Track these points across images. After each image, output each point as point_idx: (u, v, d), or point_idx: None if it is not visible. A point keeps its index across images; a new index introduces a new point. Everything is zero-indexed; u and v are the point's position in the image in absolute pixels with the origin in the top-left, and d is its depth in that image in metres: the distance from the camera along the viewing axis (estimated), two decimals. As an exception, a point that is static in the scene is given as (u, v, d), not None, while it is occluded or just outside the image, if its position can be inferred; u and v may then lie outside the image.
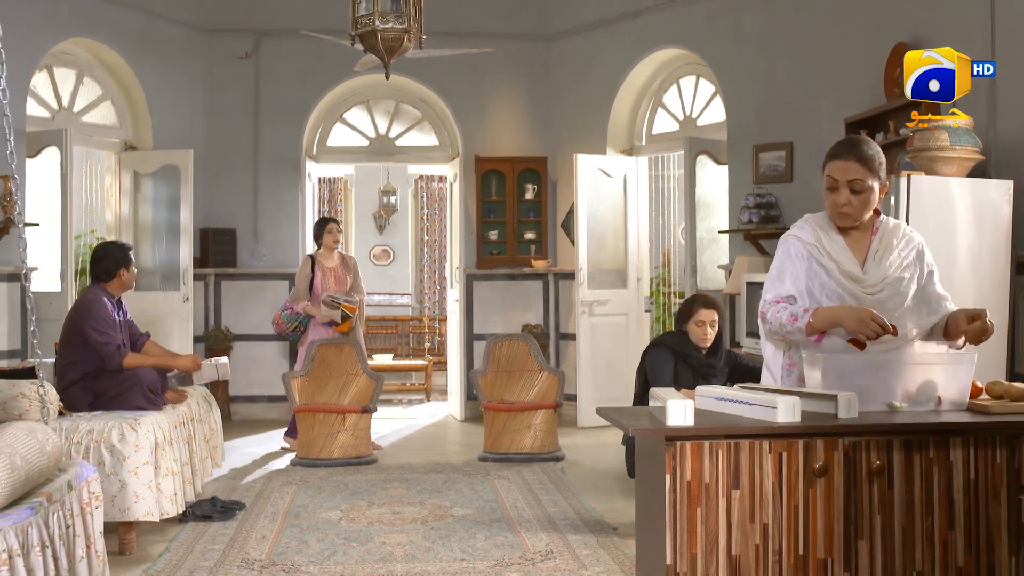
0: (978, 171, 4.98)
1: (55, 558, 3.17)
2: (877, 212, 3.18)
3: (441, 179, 13.67)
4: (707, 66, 8.14)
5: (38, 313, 3.87)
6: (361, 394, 7.30)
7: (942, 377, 2.95)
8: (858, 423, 2.74)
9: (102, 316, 5.17)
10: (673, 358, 5.42)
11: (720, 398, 2.94)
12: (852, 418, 2.77)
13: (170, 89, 8.62)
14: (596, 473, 6.63)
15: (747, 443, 2.69)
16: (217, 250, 8.88)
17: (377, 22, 6.07)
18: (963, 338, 3.03)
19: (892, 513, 2.73)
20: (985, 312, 3.00)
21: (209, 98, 9.03)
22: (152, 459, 4.77)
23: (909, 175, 4.70)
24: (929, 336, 3.14)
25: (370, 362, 8.73)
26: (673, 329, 5.75)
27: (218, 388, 8.50)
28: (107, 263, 5.35)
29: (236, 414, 8.96)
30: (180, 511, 5.03)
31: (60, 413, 4.84)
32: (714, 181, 8.21)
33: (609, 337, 8.72)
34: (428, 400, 10.66)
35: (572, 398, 8.55)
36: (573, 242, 8.85)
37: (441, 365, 11.00)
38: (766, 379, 3.33)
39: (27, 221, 6.70)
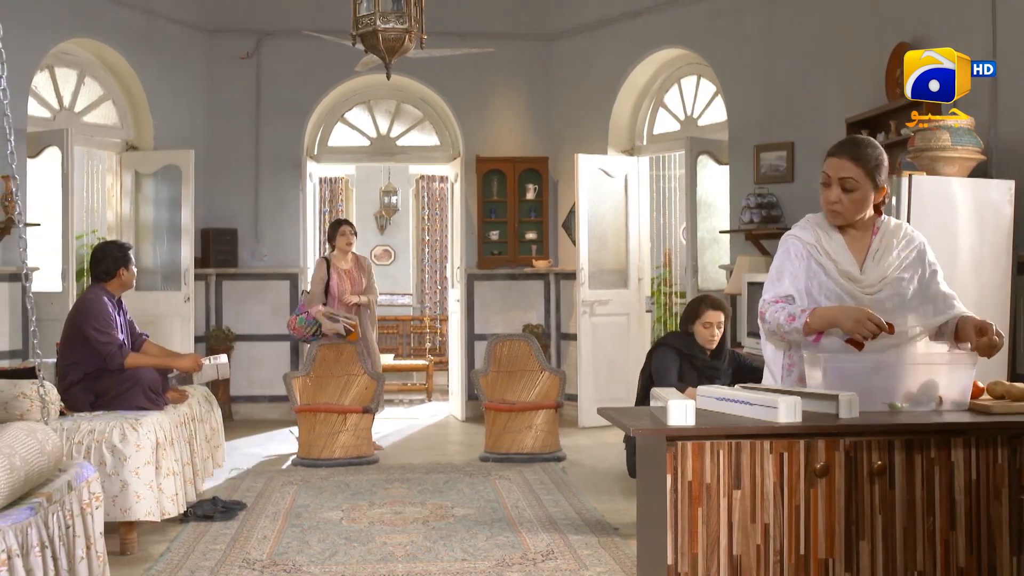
0: (979, 171, 4.97)
1: (55, 558, 3.17)
2: (878, 212, 3.17)
3: (442, 179, 13.68)
4: (708, 66, 8.14)
5: (40, 313, 3.88)
6: (362, 394, 7.30)
7: (943, 377, 2.95)
8: (859, 423, 2.74)
9: (103, 316, 5.17)
10: (679, 359, 5.41)
11: (721, 398, 2.94)
12: (853, 418, 2.77)
13: (171, 89, 8.62)
14: (597, 473, 6.63)
15: (748, 443, 2.69)
16: (218, 250, 8.89)
17: (378, 22, 6.07)
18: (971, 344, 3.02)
19: (893, 513, 2.73)
20: (991, 327, 2.96)
21: (210, 98, 9.03)
22: (153, 459, 4.77)
23: (910, 175, 4.69)
24: (938, 337, 3.13)
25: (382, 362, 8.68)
26: (677, 329, 5.73)
27: (219, 388, 8.51)
28: (107, 263, 5.35)
29: (237, 414, 8.96)
30: (181, 511, 5.03)
31: (61, 413, 4.85)
32: (715, 181, 8.21)
33: (610, 337, 8.72)
34: (429, 400, 10.67)
35: (573, 398, 8.55)
36: (574, 242, 8.84)
37: (442, 365, 11.00)
38: (767, 379, 3.33)
39: (28, 221, 6.74)
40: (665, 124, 8.97)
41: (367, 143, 9.69)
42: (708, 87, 8.45)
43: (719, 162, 8.16)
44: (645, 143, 9.08)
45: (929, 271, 3.13)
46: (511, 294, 9.39)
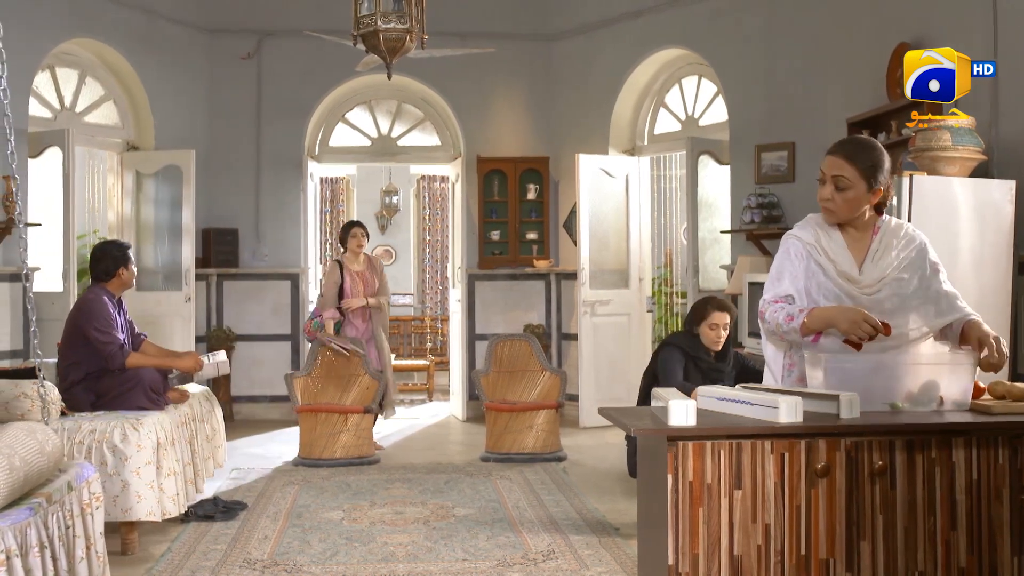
0: (980, 171, 4.97)
1: (54, 559, 3.17)
2: (879, 212, 3.17)
3: (443, 179, 13.69)
4: (709, 66, 8.14)
5: (41, 313, 3.88)
6: (363, 394, 7.29)
7: (944, 377, 2.94)
8: (860, 423, 2.74)
9: (103, 316, 5.17)
10: (685, 359, 5.40)
11: (722, 398, 2.94)
12: (854, 418, 2.77)
13: (172, 89, 8.63)
14: (598, 473, 6.62)
15: (749, 443, 2.69)
16: (219, 250, 8.89)
17: (379, 22, 6.07)
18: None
19: (894, 513, 2.73)
20: (991, 343, 2.93)
21: (211, 98, 9.04)
22: (154, 459, 4.77)
23: (911, 175, 4.69)
24: (943, 338, 3.12)
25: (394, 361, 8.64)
26: (682, 329, 5.72)
27: (220, 388, 8.52)
28: (106, 263, 5.35)
29: (238, 414, 8.96)
30: (182, 511, 5.03)
31: (63, 413, 4.85)
32: (716, 181, 8.21)
33: (611, 337, 8.72)
34: (430, 400, 10.67)
35: (574, 398, 8.55)
36: (575, 242, 8.84)
37: (443, 365, 10.99)
38: (767, 379, 3.33)
39: (29, 221, 6.75)
40: (666, 124, 8.97)
41: (368, 143, 9.69)
42: (709, 87, 8.45)
43: (720, 162, 8.16)
44: (646, 143, 9.08)
45: (930, 271, 3.11)
46: (512, 294, 9.39)
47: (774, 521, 2.69)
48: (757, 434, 2.70)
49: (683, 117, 8.78)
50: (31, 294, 3.75)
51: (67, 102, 7.95)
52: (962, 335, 3.05)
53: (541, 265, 9.23)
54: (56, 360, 5.37)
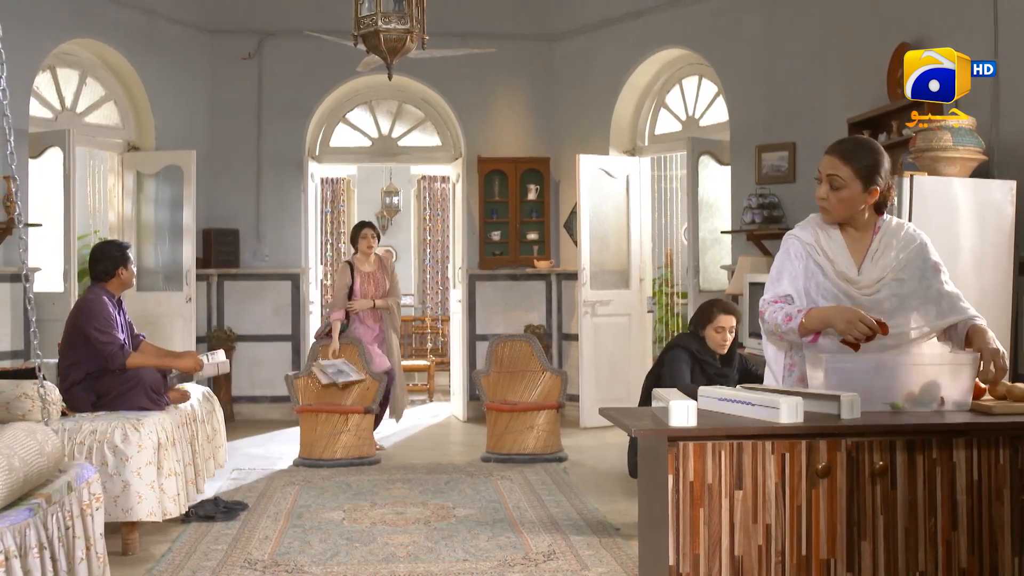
0: (981, 171, 4.97)
1: (54, 559, 3.17)
2: (880, 212, 3.17)
3: (444, 179, 13.69)
4: (709, 66, 8.14)
5: (41, 313, 3.88)
6: (364, 394, 7.29)
7: (945, 378, 2.94)
8: (861, 424, 2.74)
9: (104, 316, 5.17)
10: (692, 362, 5.39)
11: (723, 399, 2.94)
12: (855, 419, 2.77)
13: (173, 90, 8.63)
14: (599, 474, 6.62)
15: (750, 444, 2.69)
16: (220, 250, 8.89)
17: (380, 22, 6.07)
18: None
19: (895, 514, 2.72)
20: (987, 356, 2.92)
21: (212, 98, 9.04)
22: (155, 459, 4.77)
23: (912, 175, 4.69)
24: (946, 339, 3.11)
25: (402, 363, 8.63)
26: (687, 331, 5.70)
27: (221, 388, 8.52)
28: (106, 263, 5.34)
29: (239, 414, 8.96)
30: (183, 511, 5.03)
31: (63, 413, 4.85)
32: (717, 181, 8.20)
33: (612, 337, 8.71)
34: (431, 400, 10.66)
35: (575, 398, 8.55)
36: (576, 242, 8.84)
37: (444, 365, 11.00)
38: (768, 379, 3.33)
39: (30, 222, 6.75)
40: (666, 124, 8.96)
41: (369, 143, 9.69)
42: (709, 87, 8.44)
43: (721, 162, 8.16)
44: (647, 143, 9.07)
45: (931, 271, 3.10)
46: (513, 294, 9.38)
47: (775, 521, 2.69)
48: (758, 434, 2.70)
49: (684, 117, 8.78)
50: (31, 294, 3.76)
51: (68, 102, 7.95)
52: (966, 340, 3.04)
53: (542, 265, 9.23)
54: (56, 360, 5.37)
